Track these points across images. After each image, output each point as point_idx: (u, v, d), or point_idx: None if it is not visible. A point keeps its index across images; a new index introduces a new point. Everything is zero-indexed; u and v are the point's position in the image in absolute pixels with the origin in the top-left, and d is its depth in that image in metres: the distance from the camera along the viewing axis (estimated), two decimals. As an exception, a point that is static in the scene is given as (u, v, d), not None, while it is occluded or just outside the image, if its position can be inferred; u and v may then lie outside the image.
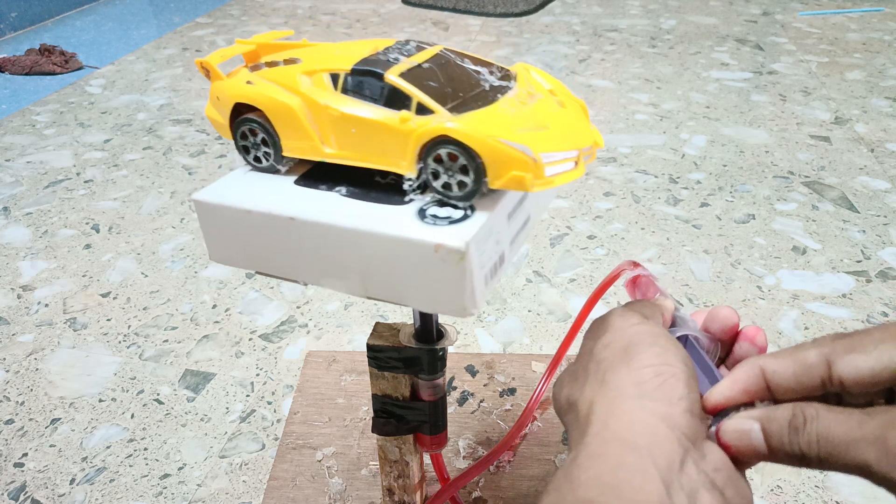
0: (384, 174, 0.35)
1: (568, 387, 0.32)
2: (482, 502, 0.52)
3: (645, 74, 1.51)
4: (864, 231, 0.93)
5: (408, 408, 0.41)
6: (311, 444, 0.57)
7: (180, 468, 0.60)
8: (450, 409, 0.60)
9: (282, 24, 1.90)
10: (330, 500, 0.52)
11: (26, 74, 1.55)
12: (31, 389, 0.69)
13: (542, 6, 2.03)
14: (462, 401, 0.61)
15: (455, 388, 0.63)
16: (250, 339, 0.75)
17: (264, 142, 0.36)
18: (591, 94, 1.41)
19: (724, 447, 0.27)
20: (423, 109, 0.31)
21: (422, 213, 0.31)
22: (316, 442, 0.57)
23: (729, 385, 0.29)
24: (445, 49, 0.36)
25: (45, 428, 0.64)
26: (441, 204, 0.32)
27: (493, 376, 0.64)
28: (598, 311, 0.81)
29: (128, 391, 0.69)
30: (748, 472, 0.29)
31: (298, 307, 0.80)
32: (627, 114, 1.31)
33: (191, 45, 1.75)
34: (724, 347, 0.35)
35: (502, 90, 0.34)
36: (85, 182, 1.09)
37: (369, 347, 0.40)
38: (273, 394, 0.68)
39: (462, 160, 0.30)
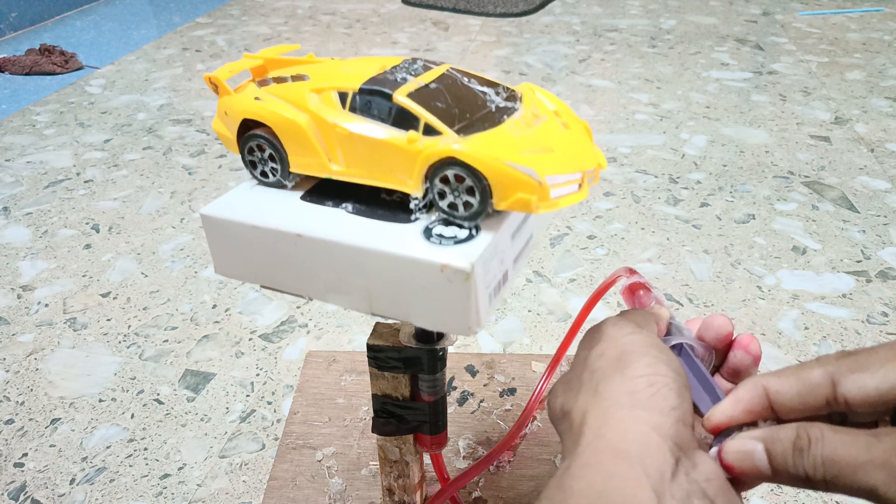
0: (390, 191, 0.35)
1: (562, 396, 0.32)
2: (482, 502, 0.52)
3: (645, 74, 1.51)
4: (864, 231, 0.93)
5: (408, 408, 0.41)
6: (311, 444, 0.57)
7: (180, 468, 0.60)
8: (450, 409, 0.60)
9: (282, 24, 1.90)
10: (330, 500, 0.52)
11: (26, 74, 1.55)
12: (31, 389, 0.69)
13: (541, 6, 2.03)
14: (462, 401, 0.61)
15: (455, 388, 0.63)
16: (250, 339, 0.75)
17: (272, 157, 0.36)
18: (591, 93, 1.41)
19: (727, 468, 0.27)
20: (430, 130, 0.32)
21: (427, 233, 0.32)
22: (316, 442, 0.57)
23: (731, 404, 0.28)
24: (452, 68, 0.36)
25: (45, 428, 0.64)
26: (446, 223, 0.32)
27: (493, 376, 0.64)
28: (598, 311, 0.81)
29: (128, 391, 0.69)
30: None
31: (298, 307, 0.80)
32: (627, 114, 1.31)
33: (191, 45, 1.75)
34: (719, 355, 0.35)
35: (508, 111, 0.35)
36: (85, 182, 1.09)
37: (369, 347, 0.40)
38: (273, 394, 0.68)
39: (468, 182, 0.31)
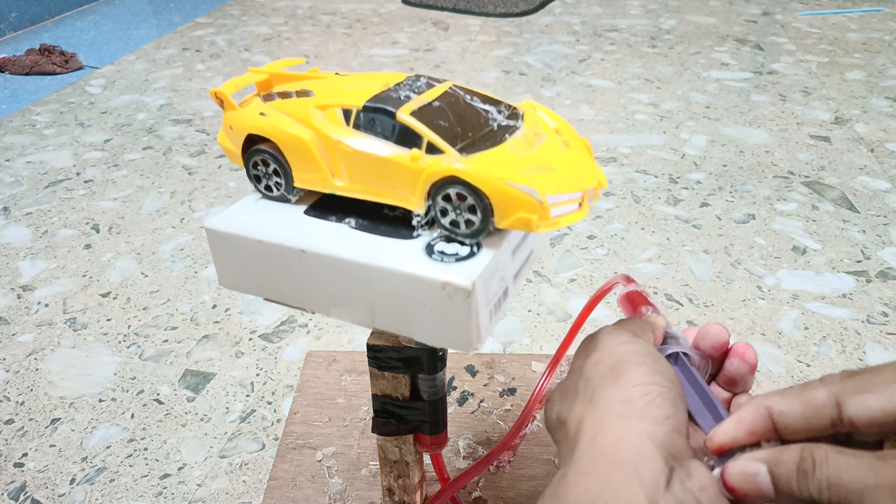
0: (393, 207, 0.36)
1: (558, 404, 0.32)
2: (482, 502, 0.52)
3: (645, 74, 1.51)
4: (864, 231, 0.93)
5: (408, 408, 0.41)
6: (311, 444, 0.57)
7: (180, 468, 0.60)
8: (450, 409, 0.60)
9: (282, 24, 1.90)
10: (330, 501, 0.52)
11: (26, 74, 1.55)
12: (31, 389, 0.69)
13: (542, 6, 2.03)
14: (462, 401, 0.61)
15: (455, 388, 0.63)
16: (250, 339, 0.75)
17: (276, 172, 0.37)
18: (591, 93, 1.41)
19: (730, 489, 0.27)
20: (433, 149, 0.32)
21: (429, 249, 0.32)
22: (316, 442, 0.57)
23: (734, 425, 0.28)
24: (455, 86, 0.37)
25: (45, 428, 0.64)
26: (448, 240, 0.33)
27: (493, 376, 0.64)
28: (599, 311, 0.81)
29: (128, 391, 0.69)
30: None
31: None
32: (627, 114, 1.31)
33: (191, 45, 1.75)
34: (715, 364, 0.36)
35: (510, 130, 0.35)
36: (85, 182, 1.09)
37: (369, 347, 0.40)
38: (273, 394, 0.68)
39: (470, 200, 0.31)
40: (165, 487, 0.58)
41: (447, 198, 0.32)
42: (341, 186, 0.35)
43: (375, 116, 0.34)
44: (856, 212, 0.97)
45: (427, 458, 0.48)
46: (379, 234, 0.34)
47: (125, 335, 0.76)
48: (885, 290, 0.81)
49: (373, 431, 0.42)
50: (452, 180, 0.31)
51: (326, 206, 0.37)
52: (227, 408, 0.66)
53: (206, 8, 2.08)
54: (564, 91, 1.42)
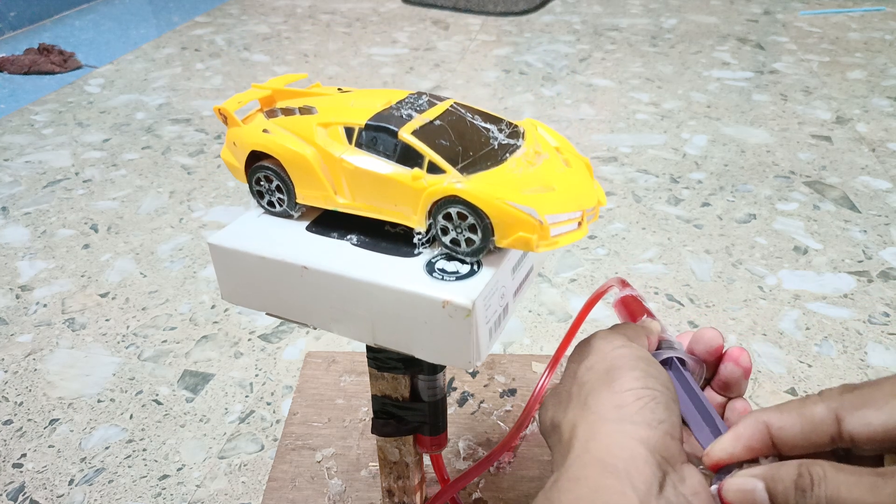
0: (394, 224, 0.36)
1: (552, 409, 0.32)
2: (482, 503, 0.51)
3: (646, 74, 1.51)
4: (865, 231, 0.93)
5: (407, 409, 0.41)
6: (311, 444, 0.57)
7: (179, 469, 0.60)
8: (450, 410, 0.60)
9: (281, 24, 1.90)
10: (329, 502, 0.52)
11: (25, 74, 1.55)
12: (30, 390, 0.69)
13: (542, 5, 2.03)
14: (462, 401, 0.61)
15: (455, 389, 0.62)
16: (249, 340, 0.75)
17: (279, 188, 0.37)
18: (591, 93, 1.41)
19: None
20: (434, 168, 0.33)
21: (430, 267, 0.33)
22: (315, 443, 0.57)
23: (731, 441, 0.28)
24: (456, 104, 0.37)
25: (44, 428, 0.64)
26: (449, 258, 0.33)
27: (494, 377, 0.64)
28: (599, 310, 0.81)
29: (126, 392, 0.68)
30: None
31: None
32: (628, 113, 1.31)
33: (190, 45, 1.74)
34: (710, 368, 0.36)
35: (511, 149, 0.35)
36: (84, 182, 1.09)
37: (369, 348, 0.40)
38: (272, 394, 0.68)
39: (471, 219, 0.32)
40: (164, 488, 0.58)
41: (448, 217, 0.32)
42: (343, 203, 0.35)
43: (377, 135, 0.34)
44: (857, 212, 0.97)
45: (427, 460, 0.48)
46: (380, 251, 0.35)
47: (124, 335, 0.76)
48: (886, 291, 0.81)
49: (372, 432, 0.42)
50: (453, 200, 0.31)
51: (328, 222, 0.37)
52: (227, 408, 0.66)
53: (205, 7, 2.08)
54: (565, 90, 1.42)
